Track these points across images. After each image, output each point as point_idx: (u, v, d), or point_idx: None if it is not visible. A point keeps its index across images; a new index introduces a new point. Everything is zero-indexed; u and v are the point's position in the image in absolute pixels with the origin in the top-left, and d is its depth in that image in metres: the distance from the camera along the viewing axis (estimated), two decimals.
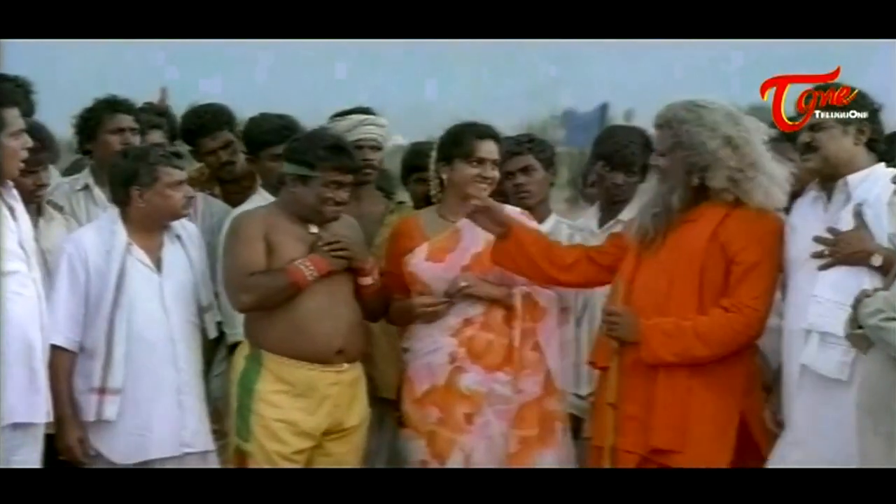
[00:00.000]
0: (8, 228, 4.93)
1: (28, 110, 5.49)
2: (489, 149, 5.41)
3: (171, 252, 5.35)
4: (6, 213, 4.96)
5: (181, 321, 5.31)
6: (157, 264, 5.31)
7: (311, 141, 5.43)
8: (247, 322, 5.43)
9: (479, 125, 5.48)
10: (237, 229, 5.38)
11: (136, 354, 5.20)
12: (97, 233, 5.31)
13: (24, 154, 5.00)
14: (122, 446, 5.22)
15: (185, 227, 5.45)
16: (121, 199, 5.33)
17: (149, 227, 5.32)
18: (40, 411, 4.98)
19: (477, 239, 5.40)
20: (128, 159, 5.37)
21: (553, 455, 5.32)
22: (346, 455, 5.38)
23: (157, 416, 5.23)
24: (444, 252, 5.40)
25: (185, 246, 5.39)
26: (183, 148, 6.34)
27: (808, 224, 5.07)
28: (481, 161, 5.39)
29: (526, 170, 5.82)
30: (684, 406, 5.02)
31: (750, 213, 5.07)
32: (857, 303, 4.50)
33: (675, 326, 5.01)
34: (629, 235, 5.20)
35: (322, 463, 5.35)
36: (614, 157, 5.97)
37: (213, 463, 5.32)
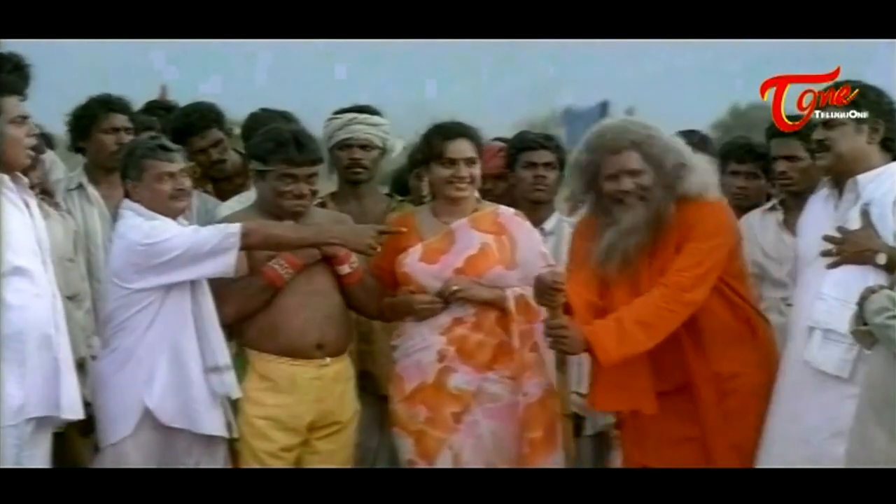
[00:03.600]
0: (24, 224, 4.92)
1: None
2: (460, 148, 5.36)
3: None
4: (23, 207, 4.95)
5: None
6: None
7: (266, 136, 5.42)
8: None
9: (447, 125, 5.44)
10: None
11: None
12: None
13: (32, 141, 4.98)
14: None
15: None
16: (125, 196, 5.32)
17: None
18: (63, 406, 4.95)
19: (471, 241, 5.37)
20: (120, 156, 5.40)
21: (559, 456, 5.29)
22: (335, 453, 5.37)
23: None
24: (438, 253, 5.38)
25: None
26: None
27: (818, 222, 5.10)
28: (453, 161, 5.35)
29: (549, 165, 5.89)
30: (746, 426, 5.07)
31: (691, 203, 5.03)
32: (863, 300, 4.50)
33: (614, 320, 4.92)
34: (609, 267, 5.02)
35: (311, 461, 5.35)
36: None
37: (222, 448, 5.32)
